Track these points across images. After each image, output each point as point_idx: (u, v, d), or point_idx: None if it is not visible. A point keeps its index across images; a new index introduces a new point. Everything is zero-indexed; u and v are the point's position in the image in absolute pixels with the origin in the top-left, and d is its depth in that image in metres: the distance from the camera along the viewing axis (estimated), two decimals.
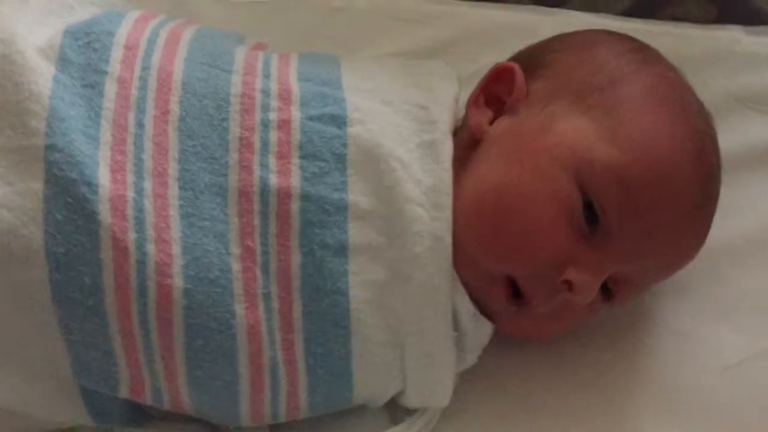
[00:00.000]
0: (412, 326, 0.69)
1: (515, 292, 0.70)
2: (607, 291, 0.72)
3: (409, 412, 0.74)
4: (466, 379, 0.74)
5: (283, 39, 0.84)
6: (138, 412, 0.72)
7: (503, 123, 0.73)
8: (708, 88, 0.84)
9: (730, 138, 0.83)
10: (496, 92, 0.75)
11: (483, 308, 0.72)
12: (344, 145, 0.69)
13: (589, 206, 0.69)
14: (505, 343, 0.75)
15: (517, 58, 0.78)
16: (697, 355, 0.78)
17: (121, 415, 0.71)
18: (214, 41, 0.75)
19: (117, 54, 0.70)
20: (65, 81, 0.67)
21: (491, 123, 0.73)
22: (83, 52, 0.69)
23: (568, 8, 0.95)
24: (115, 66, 0.69)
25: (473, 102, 0.75)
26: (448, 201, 0.69)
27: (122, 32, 0.71)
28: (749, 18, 0.96)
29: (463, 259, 0.69)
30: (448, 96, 0.74)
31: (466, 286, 0.70)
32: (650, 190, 0.69)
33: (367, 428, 0.73)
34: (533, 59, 0.76)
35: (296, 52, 0.77)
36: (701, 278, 0.80)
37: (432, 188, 0.69)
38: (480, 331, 0.72)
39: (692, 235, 0.73)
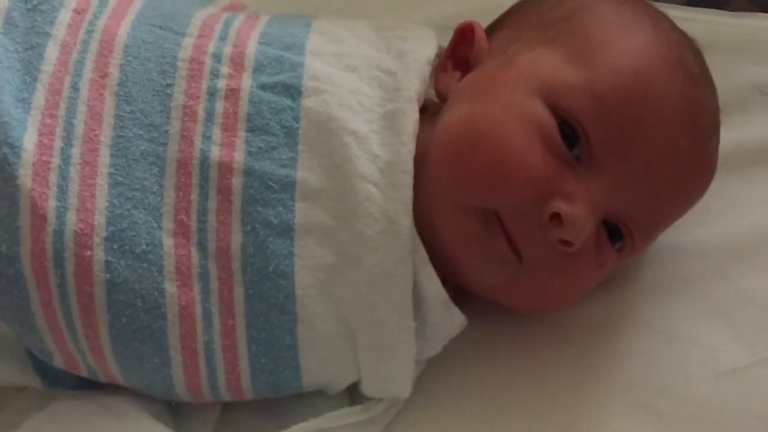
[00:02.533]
0: (363, 315, 0.64)
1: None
2: (616, 237, 0.67)
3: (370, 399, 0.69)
4: (431, 371, 0.71)
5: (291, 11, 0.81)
6: (88, 378, 0.69)
7: (467, 77, 0.70)
8: (731, 77, 0.83)
9: (751, 130, 0.81)
10: (462, 54, 0.71)
11: (476, 283, 0.68)
12: (296, 118, 0.65)
13: (567, 131, 0.64)
14: (479, 335, 0.71)
15: (489, 24, 0.75)
16: (690, 360, 0.72)
17: (71, 380, 0.69)
18: (173, 2, 0.71)
19: (64, 17, 0.67)
20: (7, 44, 0.65)
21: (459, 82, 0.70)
22: (30, 15, 0.67)
23: None
24: (60, 29, 0.66)
25: (441, 68, 0.72)
26: (406, 179, 0.64)
27: None
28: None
29: (444, 216, 0.65)
30: (419, 60, 0.69)
31: (459, 250, 0.66)
32: (626, 100, 0.64)
33: (324, 409, 0.69)
34: (498, 19, 0.74)
35: (270, 14, 0.73)
36: (702, 278, 0.75)
37: (389, 164, 0.64)
38: (448, 320, 0.68)
39: (690, 156, 0.66)
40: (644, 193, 0.66)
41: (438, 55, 0.73)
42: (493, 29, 0.73)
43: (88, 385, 0.70)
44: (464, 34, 0.72)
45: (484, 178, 0.64)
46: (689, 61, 0.67)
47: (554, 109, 0.64)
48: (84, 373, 0.67)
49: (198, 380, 0.66)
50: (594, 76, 0.64)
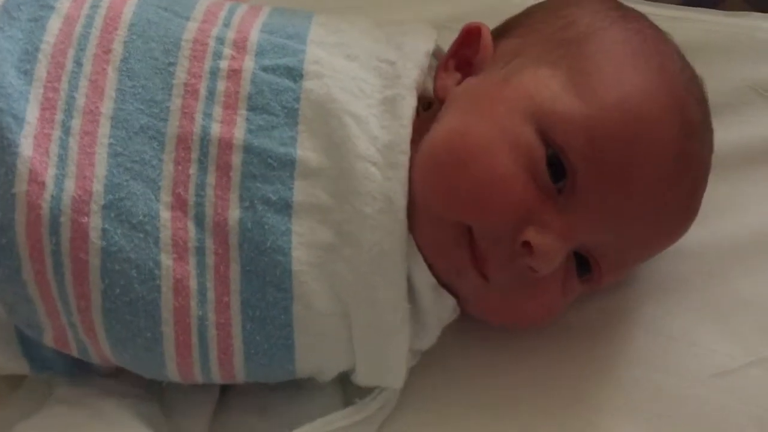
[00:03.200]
0: (360, 295, 0.64)
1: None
2: (584, 269, 0.67)
3: (363, 394, 0.69)
4: (426, 370, 0.71)
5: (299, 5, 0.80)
6: (79, 363, 0.69)
7: (467, 82, 0.69)
8: (725, 77, 0.82)
9: (745, 130, 0.80)
10: (465, 55, 0.71)
11: (449, 287, 0.67)
12: (297, 99, 0.65)
13: (554, 162, 0.63)
14: (476, 337, 0.71)
15: (498, 26, 0.73)
16: (686, 360, 0.72)
17: (60, 364, 0.69)
18: None
19: None
20: (12, 13, 0.66)
21: (458, 85, 0.69)
22: None
23: None
24: (64, 3, 0.67)
25: (443, 66, 0.71)
26: (403, 159, 0.64)
27: None
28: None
29: (422, 219, 0.65)
30: (418, 51, 0.69)
31: (429, 256, 0.66)
32: (619, 144, 0.63)
33: (318, 409, 0.69)
34: (508, 23, 0.73)
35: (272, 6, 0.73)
36: (700, 278, 0.75)
37: (388, 145, 0.65)
38: (440, 305, 0.67)
39: (673, 203, 0.66)
40: (620, 233, 0.65)
41: (435, 53, 0.72)
42: (500, 33, 0.72)
43: (79, 372, 0.69)
44: (470, 36, 0.71)
45: (465, 198, 0.64)
46: (690, 109, 0.66)
47: (546, 139, 0.63)
48: (74, 351, 0.67)
49: (189, 359, 0.65)
50: (590, 113, 0.63)
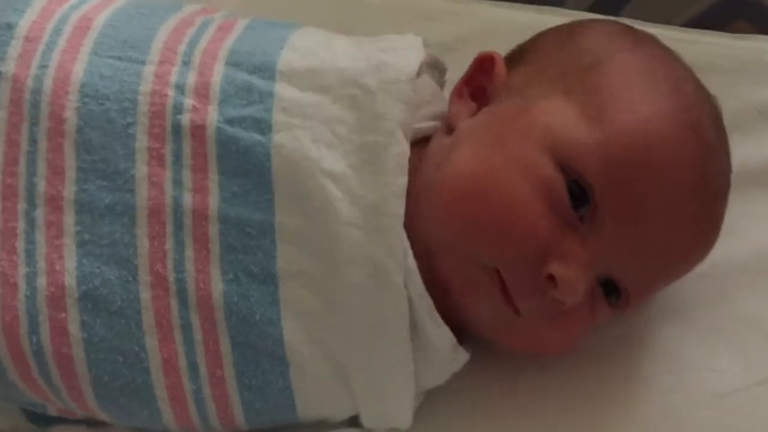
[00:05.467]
0: (357, 362, 0.63)
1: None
2: (612, 293, 0.66)
3: None
4: (440, 400, 0.70)
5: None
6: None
7: (482, 113, 0.68)
8: (731, 98, 0.81)
9: (750, 151, 0.81)
10: (479, 83, 0.70)
11: (477, 324, 0.66)
12: (267, 155, 0.62)
13: (575, 192, 0.62)
14: (487, 363, 0.70)
15: (510, 52, 0.73)
16: (691, 381, 0.73)
17: (66, 421, 0.68)
18: (133, 22, 0.67)
19: (14, 49, 0.63)
20: None
21: (474, 115, 0.68)
22: None
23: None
24: (10, 63, 0.62)
25: (457, 93, 0.70)
26: (389, 222, 0.61)
27: (25, 22, 0.64)
28: None
29: (444, 261, 0.64)
30: (400, 79, 0.64)
31: (455, 295, 0.64)
32: (638, 168, 0.62)
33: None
34: (521, 50, 0.72)
35: (250, 17, 0.70)
36: (705, 299, 0.75)
37: (372, 206, 0.61)
38: (456, 361, 0.67)
39: (694, 223, 0.65)
40: (644, 257, 0.64)
41: (425, 63, 0.70)
42: (513, 60, 0.71)
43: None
44: (483, 65, 0.70)
45: (485, 232, 0.62)
46: (705, 127, 0.65)
47: (564, 168, 0.62)
48: (78, 416, 0.67)
49: (192, 424, 0.65)
50: (606, 139, 0.62)
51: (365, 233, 0.61)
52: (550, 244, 0.62)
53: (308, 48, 0.67)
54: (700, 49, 0.86)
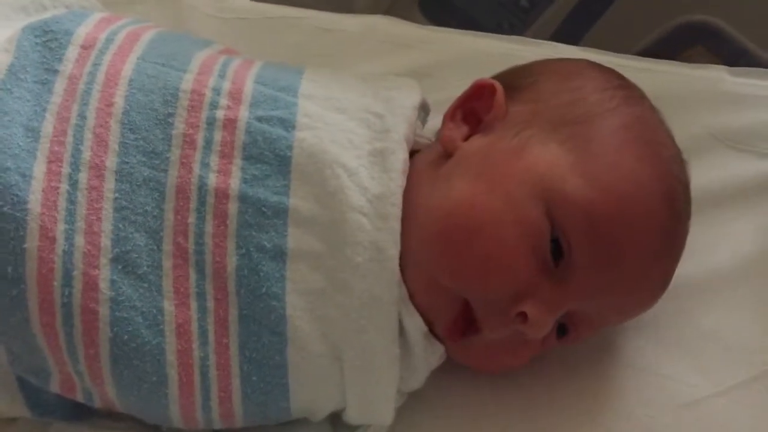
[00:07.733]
0: (351, 340, 0.67)
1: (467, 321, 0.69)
2: (562, 328, 0.71)
3: (352, 428, 0.72)
4: (413, 402, 0.73)
5: (274, 57, 0.83)
6: (79, 406, 0.71)
7: (477, 141, 0.72)
8: (688, 126, 0.86)
9: (706, 175, 0.84)
10: (474, 109, 0.73)
11: (433, 330, 0.70)
12: (289, 147, 0.68)
13: (556, 240, 0.67)
14: (458, 369, 0.73)
15: (499, 77, 0.76)
16: (658, 391, 0.76)
17: (62, 409, 0.71)
18: (174, 44, 0.74)
19: (72, 54, 0.70)
20: (18, 74, 0.69)
21: (466, 139, 0.72)
22: (39, 50, 0.70)
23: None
24: (67, 65, 0.70)
25: (450, 116, 0.74)
26: (394, 211, 0.67)
27: (81, 32, 0.72)
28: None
29: (416, 274, 0.68)
30: (405, 106, 0.73)
31: (419, 307, 0.68)
32: (615, 229, 0.67)
33: None
34: (515, 81, 0.75)
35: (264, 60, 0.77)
36: (668, 315, 0.79)
37: (378, 197, 0.68)
38: (430, 351, 0.70)
39: (654, 279, 0.72)
40: (605, 303, 0.70)
41: (423, 105, 0.76)
42: (508, 91, 0.73)
43: (79, 416, 0.72)
44: (482, 91, 0.74)
45: (469, 271, 0.67)
46: (678, 196, 0.71)
47: (551, 219, 0.67)
48: (80, 397, 0.69)
49: (192, 400, 0.68)
50: (593, 197, 0.67)
51: (370, 220, 0.67)
52: (527, 288, 0.67)
53: (323, 81, 0.75)
54: (659, 78, 0.90)
